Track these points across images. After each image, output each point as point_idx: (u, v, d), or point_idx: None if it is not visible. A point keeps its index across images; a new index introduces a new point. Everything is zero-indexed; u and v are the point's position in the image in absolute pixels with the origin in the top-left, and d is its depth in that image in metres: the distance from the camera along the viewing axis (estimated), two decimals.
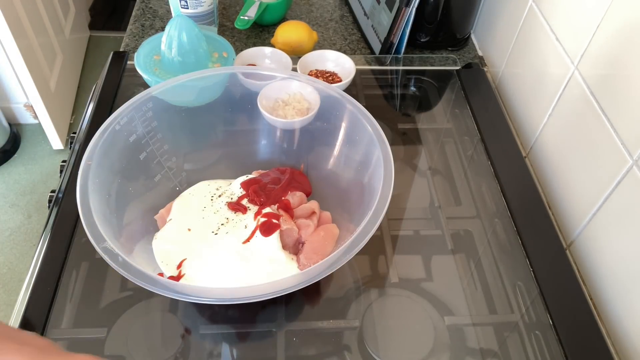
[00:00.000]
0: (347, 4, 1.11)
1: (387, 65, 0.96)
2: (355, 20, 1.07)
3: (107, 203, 0.59)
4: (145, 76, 0.78)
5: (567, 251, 0.69)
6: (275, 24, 1.02)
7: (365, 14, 1.02)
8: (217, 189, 0.67)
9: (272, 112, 0.74)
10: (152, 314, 0.61)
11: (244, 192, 0.66)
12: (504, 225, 0.71)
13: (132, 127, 0.65)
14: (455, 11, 0.96)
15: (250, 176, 0.69)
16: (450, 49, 1.01)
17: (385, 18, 0.93)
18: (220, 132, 0.76)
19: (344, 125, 0.68)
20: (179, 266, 0.60)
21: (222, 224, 0.62)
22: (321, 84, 0.71)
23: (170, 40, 0.76)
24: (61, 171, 0.77)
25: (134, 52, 0.84)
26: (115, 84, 0.87)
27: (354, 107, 0.66)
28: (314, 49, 0.94)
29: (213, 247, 0.60)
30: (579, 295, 0.63)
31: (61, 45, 2.01)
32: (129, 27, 1.04)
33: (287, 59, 0.87)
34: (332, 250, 0.61)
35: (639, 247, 0.58)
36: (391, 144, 0.61)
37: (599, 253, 0.65)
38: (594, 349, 0.59)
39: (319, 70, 0.88)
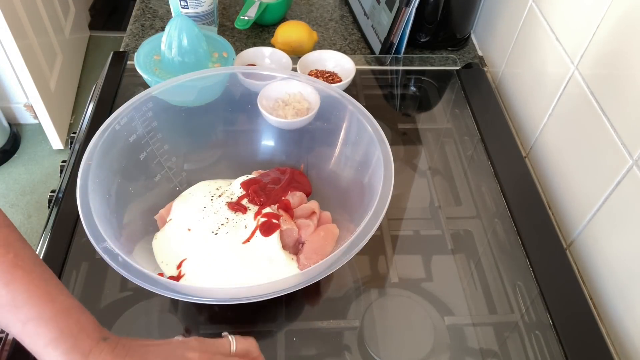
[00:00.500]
0: (347, 4, 1.11)
1: (387, 65, 0.96)
2: (355, 20, 1.07)
3: (107, 203, 0.59)
4: (145, 76, 0.78)
5: (567, 251, 0.69)
6: (275, 24, 1.02)
7: (365, 14, 1.02)
8: (217, 189, 0.67)
9: (272, 112, 0.74)
10: (152, 314, 0.61)
11: (244, 192, 0.66)
12: (504, 225, 0.71)
13: (132, 127, 0.65)
14: (455, 11, 0.96)
15: (250, 176, 0.69)
16: (450, 49, 1.01)
17: (385, 18, 0.93)
18: (220, 132, 0.76)
19: (344, 125, 0.68)
20: (179, 266, 0.60)
21: (222, 224, 0.62)
22: (321, 84, 0.71)
23: (170, 40, 0.76)
24: (61, 171, 0.77)
25: (134, 52, 0.84)
26: (115, 84, 0.87)
27: (354, 107, 0.66)
28: (314, 49, 0.94)
29: (213, 247, 0.60)
30: (579, 295, 0.63)
31: (61, 45, 2.02)
32: (129, 27, 1.04)
33: (287, 59, 0.87)
34: (332, 250, 0.61)
35: (639, 247, 0.58)
36: (391, 144, 0.61)
37: (599, 253, 0.65)
38: (594, 349, 0.59)
39: (319, 70, 0.88)
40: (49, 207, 0.71)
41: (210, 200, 0.65)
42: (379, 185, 0.57)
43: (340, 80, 0.86)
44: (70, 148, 0.80)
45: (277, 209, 0.64)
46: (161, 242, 0.63)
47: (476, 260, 0.68)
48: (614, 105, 0.62)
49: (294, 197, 0.66)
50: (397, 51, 0.95)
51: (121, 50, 0.98)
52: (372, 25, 0.99)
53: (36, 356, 0.43)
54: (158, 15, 1.06)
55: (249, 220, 0.62)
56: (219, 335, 0.60)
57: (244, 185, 0.67)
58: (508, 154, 0.79)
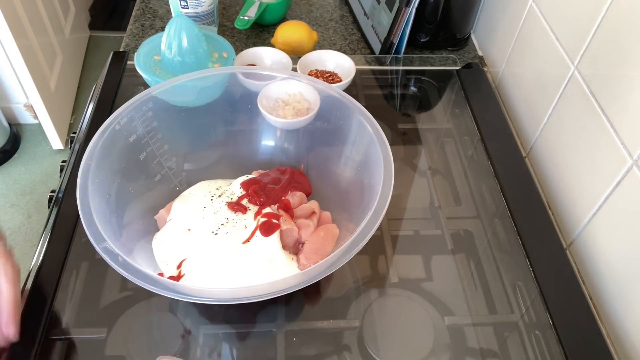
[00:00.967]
0: (347, 4, 1.11)
1: (387, 65, 0.96)
2: (355, 20, 1.07)
3: (107, 203, 0.59)
4: (145, 76, 0.78)
5: (567, 251, 0.69)
6: (275, 24, 1.02)
7: (365, 14, 1.02)
8: (217, 189, 0.67)
9: (272, 112, 0.74)
10: (152, 314, 0.61)
11: (244, 192, 0.66)
12: (504, 225, 0.71)
13: (132, 127, 0.65)
14: (455, 11, 0.96)
15: (250, 176, 0.69)
16: (450, 49, 1.01)
17: (385, 18, 0.93)
18: (220, 132, 0.76)
19: (343, 125, 0.68)
20: (179, 266, 0.60)
21: (222, 224, 0.62)
22: (321, 84, 0.71)
23: (170, 40, 0.76)
24: (61, 171, 0.77)
25: (134, 52, 0.84)
26: (115, 84, 0.87)
27: (354, 107, 0.66)
28: (314, 49, 0.94)
29: (213, 247, 0.60)
30: (579, 295, 0.63)
31: (61, 45, 2.02)
32: (129, 27, 1.04)
33: (287, 59, 0.87)
34: (332, 250, 0.61)
35: (639, 247, 0.58)
36: (391, 144, 0.61)
37: (599, 253, 0.65)
38: (594, 349, 0.59)
39: (319, 70, 0.88)
40: (49, 207, 0.71)
41: (210, 200, 0.65)
42: (379, 185, 0.57)
43: (340, 80, 0.86)
44: (70, 148, 0.80)
45: (277, 209, 0.64)
46: (161, 242, 0.63)
47: (476, 260, 0.68)
48: (614, 105, 0.62)
49: (294, 197, 0.66)
50: (397, 51, 0.95)
51: (121, 50, 0.98)
52: (372, 25, 0.99)
53: None
54: (158, 15, 1.06)
55: (249, 220, 0.62)
56: (219, 335, 0.61)
57: (244, 185, 0.67)
58: (508, 154, 0.79)
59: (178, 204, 0.66)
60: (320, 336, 0.60)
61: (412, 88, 0.94)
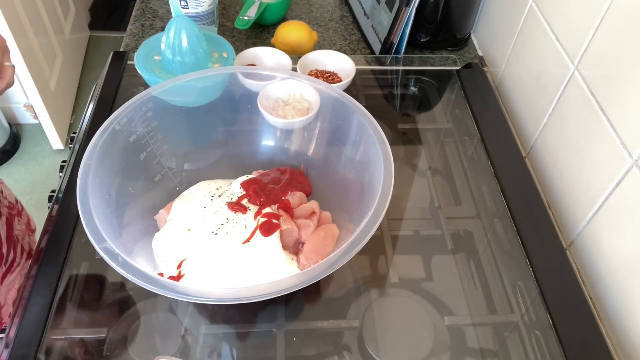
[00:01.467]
0: (347, 4, 1.11)
1: (387, 65, 0.96)
2: (355, 20, 1.07)
3: (107, 203, 0.59)
4: (145, 76, 0.78)
5: (567, 251, 0.69)
6: (275, 24, 1.02)
7: (365, 14, 1.02)
8: (217, 189, 0.67)
9: (272, 112, 0.74)
10: (152, 314, 0.61)
11: (244, 192, 0.66)
12: (504, 225, 0.71)
13: (132, 127, 0.65)
14: (455, 11, 0.96)
15: (250, 176, 0.69)
16: (450, 49, 1.01)
17: (385, 18, 0.93)
18: (220, 132, 0.76)
19: (343, 125, 0.68)
20: (179, 266, 0.60)
21: (222, 224, 0.62)
22: (321, 84, 0.71)
23: (170, 40, 0.76)
24: (61, 171, 0.77)
25: (134, 52, 0.84)
26: (115, 84, 0.87)
27: (354, 107, 0.66)
28: (314, 49, 0.94)
29: (213, 247, 0.60)
30: (579, 295, 0.63)
31: (61, 45, 2.02)
32: (129, 27, 1.04)
33: (287, 59, 0.87)
34: (332, 250, 0.61)
35: (639, 246, 0.58)
36: (391, 144, 0.61)
37: (599, 253, 0.65)
38: (594, 349, 0.59)
39: (319, 70, 0.88)
40: (49, 207, 0.71)
41: (210, 200, 0.65)
42: (379, 185, 0.57)
43: (340, 80, 0.86)
44: (70, 148, 0.80)
45: (277, 209, 0.64)
46: (161, 242, 0.63)
47: (476, 260, 0.68)
48: (614, 105, 0.62)
49: (294, 197, 0.66)
50: (397, 51, 0.95)
51: (121, 50, 0.98)
52: (372, 25, 0.99)
53: None
54: (158, 15, 1.06)
55: (249, 220, 0.62)
56: (219, 335, 0.61)
57: (244, 185, 0.67)
58: (508, 154, 0.79)
59: (178, 204, 0.66)
60: (320, 336, 0.60)
61: (412, 88, 0.94)
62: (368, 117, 0.64)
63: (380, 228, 0.60)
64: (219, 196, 0.66)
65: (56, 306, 0.61)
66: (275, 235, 0.60)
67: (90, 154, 0.59)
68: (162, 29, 1.00)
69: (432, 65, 0.97)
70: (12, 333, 0.58)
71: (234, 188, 0.67)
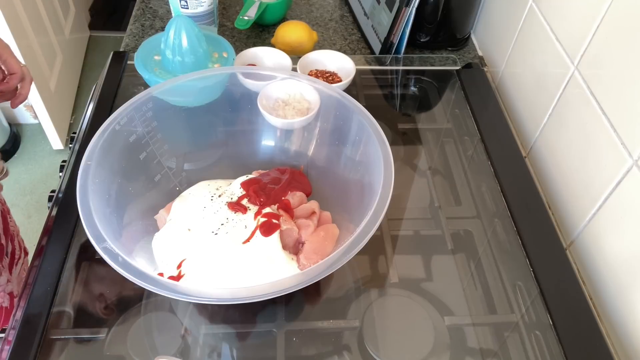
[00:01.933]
0: (347, 4, 1.11)
1: (387, 65, 0.96)
2: (355, 20, 1.07)
3: (107, 203, 0.59)
4: (145, 76, 0.78)
5: (567, 251, 0.69)
6: (275, 24, 1.02)
7: (365, 14, 1.02)
8: (217, 189, 0.67)
9: (272, 112, 0.74)
10: (152, 314, 0.61)
11: (244, 192, 0.66)
12: (504, 225, 0.71)
13: (132, 127, 0.65)
14: (455, 11, 0.96)
15: (250, 176, 0.69)
16: (450, 49, 1.01)
17: (385, 18, 0.93)
18: (220, 132, 0.76)
19: (343, 125, 0.68)
20: (179, 266, 0.60)
21: (222, 224, 0.62)
22: (321, 84, 0.71)
23: (170, 40, 0.76)
24: (61, 171, 0.77)
25: (134, 52, 0.84)
26: (115, 84, 0.87)
27: (354, 107, 0.66)
28: (314, 49, 0.94)
29: (213, 247, 0.60)
30: (579, 295, 0.63)
31: (61, 45, 2.02)
32: (129, 27, 1.04)
33: (287, 59, 0.87)
34: (332, 250, 0.61)
35: (639, 246, 0.58)
36: (391, 144, 0.61)
37: (599, 253, 0.65)
38: (594, 349, 0.59)
39: (319, 70, 0.88)
40: (49, 207, 0.71)
41: (210, 200, 0.65)
42: (379, 185, 0.57)
43: (340, 80, 0.86)
44: (70, 148, 0.80)
45: (277, 209, 0.64)
46: (161, 242, 0.63)
47: (476, 260, 0.68)
48: (614, 105, 0.62)
49: (294, 197, 0.66)
50: (397, 51, 0.95)
51: (121, 50, 0.98)
52: (372, 25, 0.99)
53: None
54: (158, 15, 1.06)
55: (249, 220, 0.62)
56: (219, 335, 0.61)
57: (244, 185, 0.66)
58: (508, 154, 0.79)
59: (178, 204, 0.66)
60: (320, 336, 0.60)
61: (412, 88, 0.94)
62: (368, 117, 0.64)
63: (380, 228, 0.60)
64: (219, 196, 0.66)
65: (56, 306, 0.61)
66: (275, 235, 0.60)
67: (90, 154, 0.59)
68: (162, 29, 1.00)
69: (432, 65, 0.97)
70: (12, 333, 0.58)
71: (234, 188, 0.67)
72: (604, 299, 0.64)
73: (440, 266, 0.67)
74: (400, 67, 0.96)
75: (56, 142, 1.92)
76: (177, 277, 0.59)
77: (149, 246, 0.62)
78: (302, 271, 0.56)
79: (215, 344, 0.60)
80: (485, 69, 0.97)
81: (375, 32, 0.97)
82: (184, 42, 0.76)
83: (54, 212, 0.69)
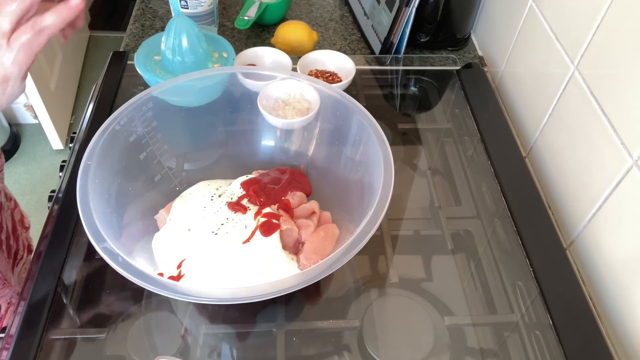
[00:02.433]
0: (347, 4, 1.11)
1: (387, 65, 0.96)
2: (355, 20, 1.07)
3: (107, 203, 0.59)
4: (145, 76, 0.78)
5: (567, 251, 0.69)
6: (275, 24, 1.02)
7: (365, 14, 1.02)
8: (217, 189, 0.67)
9: (272, 112, 0.74)
10: (152, 314, 0.61)
11: (244, 192, 0.66)
12: (504, 225, 0.71)
13: (132, 127, 0.65)
14: (455, 11, 0.96)
15: (250, 176, 0.69)
16: (450, 49, 1.01)
17: (385, 18, 0.93)
18: (220, 132, 0.76)
19: (343, 125, 0.68)
20: (179, 266, 0.60)
21: (222, 224, 0.62)
22: (321, 84, 0.71)
23: (170, 40, 0.76)
24: (61, 171, 0.77)
25: (134, 52, 0.84)
26: (115, 84, 0.87)
27: (354, 107, 0.66)
28: (314, 49, 0.94)
29: (213, 247, 0.60)
30: (579, 295, 0.63)
31: (61, 45, 2.01)
32: (129, 27, 1.04)
33: (287, 59, 0.87)
34: (332, 250, 0.61)
35: (639, 247, 0.58)
36: (391, 144, 0.61)
37: (599, 253, 0.65)
38: (594, 349, 0.59)
39: (319, 70, 0.88)
40: (49, 207, 0.71)
41: (210, 200, 0.65)
42: (379, 185, 0.57)
43: (340, 80, 0.86)
44: (70, 148, 0.80)
45: (277, 209, 0.64)
46: (161, 242, 0.63)
47: (476, 260, 0.68)
48: (614, 105, 0.62)
49: (294, 197, 0.66)
50: (397, 51, 0.95)
51: (121, 50, 0.98)
52: (372, 25, 0.99)
53: None
54: (158, 15, 1.06)
55: (249, 220, 0.62)
56: (219, 335, 0.61)
57: (244, 185, 0.66)
58: (508, 154, 0.79)
59: (178, 204, 0.66)
60: (320, 336, 0.60)
61: (412, 88, 0.94)
62: (368, 117, 0.64)
63: (380, 228, 0.60)
64: (219, 196, 0.66)
65: (56, 306, 0.61)
66: (275, 235, 0.60)
67: (90, 154, 0.59)
68: (162, 29, 1.00)
69: (432, 65, 0.97)
70: (12, 333, 0.58)
71: (234, 188, 0.67)
72: (604, 299, 0.64)
73: (440, 266, 0.67)
74: (400, 67, 0.96)
75: (56, 142, 1.92)
76: (177, 277, 0.59)
77: (149, 246, 0.62)
78: (302, 271, 0.56)
79: (215, 344, 0.60)
80: (485, 69, 0.97)
81: (375, 32, 0.97)
82: (184, 42, 0.76)
83: (54, 212, 0.69)
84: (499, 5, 0.94)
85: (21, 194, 1.80)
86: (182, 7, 0.91)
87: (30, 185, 1.84)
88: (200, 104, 0.72)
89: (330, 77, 0.87)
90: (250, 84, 0.75)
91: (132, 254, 0.58)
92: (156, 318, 0.61)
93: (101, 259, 0.51)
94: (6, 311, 0.86)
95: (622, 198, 0.60)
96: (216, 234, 0.61)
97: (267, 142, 0.76)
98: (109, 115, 0.63)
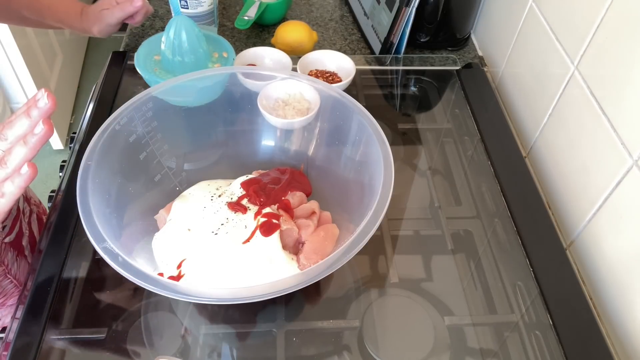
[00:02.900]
0: (347, 4, 1.11)
1: (387, 65, 0.96)
2: (355, 20, 1.07)
3: (107, 203, 0.59)
4: (145, 76, 0.78)
5: (567, 251, 0.69)
6: (275, 24, 1.02)
7: (365, 14, 1.02)
8: (217, 189, 0.67)
9: (272, 112, 0.74)
10: (152, 314, 0.61)
11: (244, 192, 0.66)
12: (504, 225, 0.71)
13: (132, 127, 0.65)
14: (455, 11, 0.96)
15: (250, 176, 0.69)
16: (450, 49, 1.01)
17: (385, 18, 0.93)
18: (220, 132, 0.76)
19: (343, 125, 0.68)
20: (179, 266, 0.60)
21: (222, 224, 0.62)
22: (321, 84, 0.71)
23: (170, 40, 0.76)
24: (61, 171, 0.77)
25: (134, 52, 0.84)
26: (115, 84, 0.87)
27: (354, 107, 0.66)
28: (314, 49, 0.94)
29: (213, 247, 0.60)
30: (579, 295, 0.63)
31: (61, 45, 2.02)
32: (129, 27, 1.03)
33: (287, 59, 0.87)
34: (332, 250, 0.61)
35: (639, 247, 0.58)
36: (391, 144, 0.61)
37: (599, 253, 0.65)
38: (594, 349, 0.59)
39: (319, 70, 0.88)
40: (49, 207, 0.71)
41: (210, 200, 0.65)
42: (379, 185, 0.57)
43: (340, 80, 0.86)
44: (70, 148, 0.80)
45: (277, 209, 0.64)
46: (161, 242, 0.63)
47: (476, 260, 0.68)
48: (614, 105, 0.62)
49: (294, 197, 0.66)
50: (397, 51, 0.95)
51: (121, 50, 0.98)
52: (372, 25, 0.99)
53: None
54: (158, 15, 1.06)
55: (249, 220, 0.62)
56: (219, 335, 0.61)
57: (244, 185, 0.66)
58: (508, 154, 0.79)
59: (178, 204, 0.66)
60: (320, 336, 0.60)
61: (412, 88, 0.94)
62: (368, 117, 0.64)
63: (380, 228, 0.60)
64: (219, 196, 0.66)
65: (56, 306, 0.61)
66: (275, 235, 0.60)
67: (90, 154, 0.59)
68: (162, 29, 1.00)
69: (432, 65, 0.97)
70: (12, 333, 0.58)
71: (234, 188, 0.67)
72: (604, 299, 0.64)
73: (440, 266, 0.67)
74: (400, 67, 0.96)
75: (56, 142, 1.92)
76: (177, 277, 0.59)
77: (149, 246, 0.62)
78: (302, 271, 0.56)
79: (215, 344, 0.60)
80: (485, 69, 0.97)
81: (375, 32, 0.97)
82: (184, 42, 0.76)
83: (54, 212, 0.69)
84: (499, 5, 0.94)
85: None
86: (182, 7, 0.91)
87: (30, 185, 1.84)
88: (200, 104, 0.72)
89: (330, 77, 0.87)
90: (250, 84, 0.75)
91: (132, 254, 0.58)
92: (156, 318, 0.61)
93: (101, 259, 0.51)
94: None
95: (622, 198, 0.60)
96: (216, 234, 0.61)
97: (267, 142, 0.76)
98: (109, 115, 0.63)
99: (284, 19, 1.06)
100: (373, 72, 0.96)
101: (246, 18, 0.98)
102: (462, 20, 0.99)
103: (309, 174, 0.72)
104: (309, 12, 1.09)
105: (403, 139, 0.84)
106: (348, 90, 0.81)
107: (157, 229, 0.65)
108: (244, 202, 0.64)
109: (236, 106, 0.75)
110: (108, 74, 0.89)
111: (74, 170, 0.71)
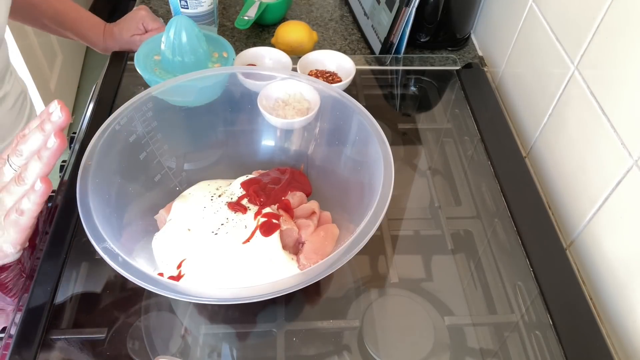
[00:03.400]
0: (347, 4, 1.11)
1: (387, 65, 0.96)
2: (355, 20, 1.07)
3: (107, 203, 0.59)
4: (145, 76, 0.78)
5: (567, 251, 0.69)
6: (275, 24, 1.02)
7: (365, 14, 1.02)
8: (217, 189, 0.67)
9: (272, 112, 0.74)
10: (152, 314, 0.61)
11: (244, 192, 0.66)
12: (504, 225, 0.71)
13: (132, 127, 0.65)
14: (455, 11, 0.96)
15: (250, 176, 0.69)
16: (450, 49, 1.01)
17: (385, 18, 0.93)
18: (220, 132, 0.76)
19: (343, 125, 0.68)
20: (179, 266, 0.60)
21: (222, 224, 0.62)
22: (321, 84, 0.71)
23: (170, 40, 0.76)
24: (61, 171, 0.77)
25: (134, 52, 0.84)
26: (115, 84, 0.87)
27: (354, 107, 0.66)
28: (314, 49, 0.94)
29: (213, 247, 0.60)
30: (579, 295, 0.63)
31: (61, 45, 2.02)
32: None
33: (287, 59, 0.87)
34: (332, 250, 0.61)
35: (639, 247, 0.58)
36: (391, 144, 0.61)
37: (599, 253, 0.65)
38: (594, 349, 0.59)
39: (319, 70, 0.88)
40: (49, 206, 0.71)
41: (210, 200, 0.65)
42: (379, 185, 0.57)
43: (340, 80, 0.86)
44: (70, 148, 0.80)
45: (277, 209, 0.64)
46: (161, 242, 0.63)
47: (476, 260, 0.68)
48: (614, 105, 0.62)
49: (294, 197, 0.66)
50: (397, 51, 0.95)
51: None
52: (372, 25, 0.99)
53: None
54: (158, 15, 1.06)
55: (249, 220, 0.62)
56: (219, 335, 0.61)
57: (244, 185, 0.66)
58: (508, 154, 0.79)
59: (178, 204, 0.66)
60: (320, 336, 0.60)
61: (412, 88, 0.94)
62: (368, 117, 0.64)
63: (380, 228, 0.60)
64: (219, 196, 0.66)
65: (56, 306, 0.61)
66: (275, 235, 0.60)
67: (90, 154, 0.59)
68: None
69: (432, 65, 0.97)
70: (12, 333, 0.58)
71: (234, 188, 0.67)
72: (604, 299, 0.64)
73: (440, 266, 0.67)
74: (400, 67, 0.96)
75: None
76: (177, 277, 0.59)
77: (149, 246, 0.62)
78: (302, 271, 0.56)
79: (215, 344, 0.60)
80: (485, 69, 0.97)
81: (375, 32, 0.97)
82: (184, 42, 0.76)
83: (54, 212, 0.69)
84: (499, 5, 0.94)
85: None
86: (182, 7, 0.91)
87: None
88: (200, 104, 0.72)
89: (330, 77, 0.87)
90: (250, 84, 0.75)
91: (132, 254, 0.58)
92: (156, 318, 0.61)
93: (101, 259, 0.51)
94: None
95: (622, 198, 0.60)
96: (216, 234, 0.61)
97: (267, 142, 0.76)
98: (109, 115, 0.63)
99: (284, 19, 1.06)
100: (373, 72, 0.96)
101: (246, 18, 0.98)
102: (462, 20, 0.99)
103: (309, 174, 0.72)
104: (309, 12, 1.09)
105: (403, 139, 0.84)
106: (348, 90, 0.81)
107: (157, 229, 0.65)
108: (244, 202, 0.64)
109: (236, 106, 0.75)
110: (108, 74, 0.89)
111: (74, 170, 0.71)
